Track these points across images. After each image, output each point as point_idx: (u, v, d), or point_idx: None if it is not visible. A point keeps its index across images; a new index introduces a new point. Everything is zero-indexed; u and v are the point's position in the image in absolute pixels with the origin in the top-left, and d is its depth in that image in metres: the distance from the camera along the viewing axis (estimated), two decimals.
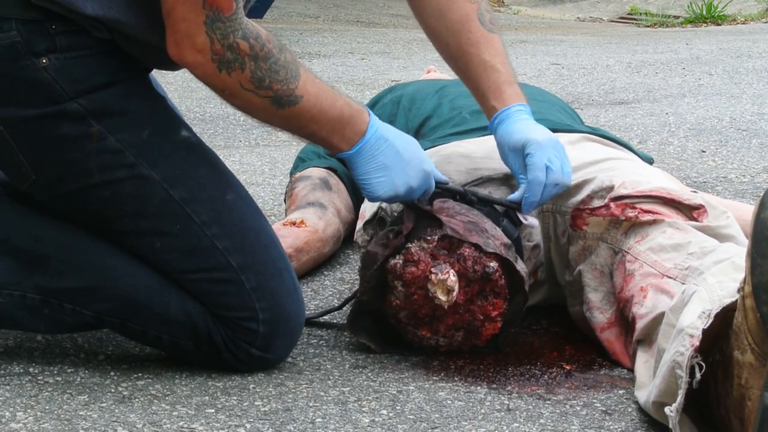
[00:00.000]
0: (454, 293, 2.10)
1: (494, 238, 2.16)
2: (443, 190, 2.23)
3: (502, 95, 2.26)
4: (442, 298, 2.11)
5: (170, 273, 2.06)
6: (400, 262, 2.14)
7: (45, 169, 2.03)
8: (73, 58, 1.98)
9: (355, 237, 2.41)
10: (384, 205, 2.33)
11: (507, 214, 2.24)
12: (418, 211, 2.18)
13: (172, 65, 2.04)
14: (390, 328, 2.22)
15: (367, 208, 2.41)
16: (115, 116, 2.01)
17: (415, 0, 2.33)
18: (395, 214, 2.29)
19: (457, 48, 2.29)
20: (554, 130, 2.45)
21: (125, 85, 2.03)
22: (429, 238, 2.14)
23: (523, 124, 2.23)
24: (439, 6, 2.30)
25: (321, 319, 2.38)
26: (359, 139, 2.10)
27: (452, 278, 2.10)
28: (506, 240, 2.18)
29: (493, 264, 2.12)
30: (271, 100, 2.01)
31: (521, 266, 2.16)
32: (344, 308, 2.37)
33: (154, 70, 2.16)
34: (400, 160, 2.12)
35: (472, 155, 2.36)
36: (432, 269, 2.10)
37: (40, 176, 2.04)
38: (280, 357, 2.12)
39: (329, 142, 2.10)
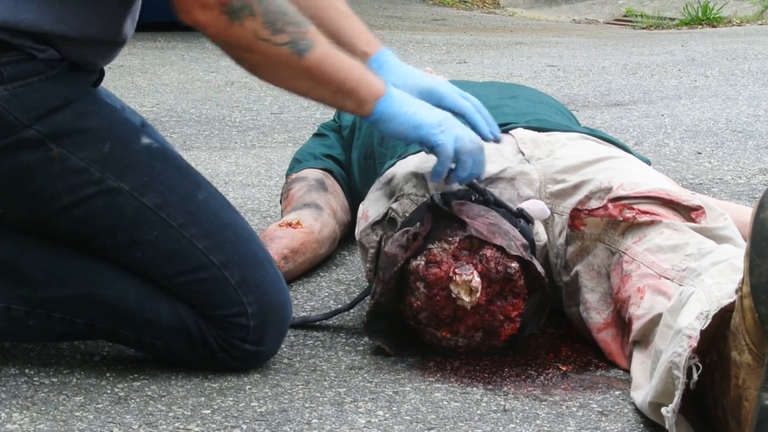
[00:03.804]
0: (478, 294, 2.10)
1: (515, 239, 2.16)
2: (468, 186, 2.25)
3: (370, 41, 2.30)
4: (466, 299, 2.11)
5: (156, 280, 2.06)
6: (422, 263, 2.13)
7: (13, 202, 2.02)
8: (21, 87, 1.97)
9: (358, 237, 2.40)
10: (394, 205, 2.32)
11: (521, 214, 2.25)
12: (437, 212, 2.18)
13: (111, 54, 2.05)
14: (405, 330, 2.22)
15: (371, 209, 2.41)
16: (73, 135, 2.00)
17: None
18: (406, 214, 2.29)
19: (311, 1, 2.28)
20: (551, 131, 2.45)
21: (77, 104, 2.02)
22: (450, 239, 2.14)
23: (413, 69, 2.28)
24: None
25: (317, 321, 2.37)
26: (384, 86, 2.11)
27: (476, 279, 2.10)
28: (524, 241, 2.19)
29: (514, 265, 2.13)
30: (289, 46, 1.98)
31: (540, 267, 2.17)
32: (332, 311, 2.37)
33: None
34: (420, 101, 2.15)
35: None
36: (456, 270, 2.11)
37: (8, 209, 2.03)
38: (272, 349, 2.12)
39: (357, 96, 2.08)
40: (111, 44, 2.07)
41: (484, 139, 2.23)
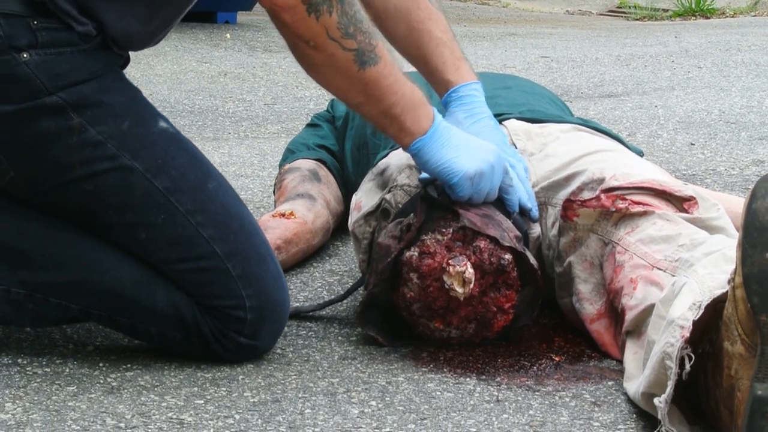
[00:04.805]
0: (471, 285, 2.10)
1: (508, 230, 2.16)
2: None
3: (460, 70, 2.28)
4: (459, 290, 2.11)
5: (156, 264, 2.06)
6: (416, 254, 2.13)
7: (25, 166, 2.02)
8: (53, 55, 1.98)
9: (351, 227, 2.40)
10: (388, 196, 2.32)
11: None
12: (431, 202, 2.18)
13: (147, 35, 2.05)
14: (398, 320, 2.22)
15: (364, 199, 2.41)
16: (95, 108, 2.00)
17: None
18: (399, 205, 2.29)
19: (407, 25, 2.28)
20: (544, 122, 2.45)
21: (102, 79, 2.02)
22: (444, 230, 2.14)
23: (484, 118, 2.25)
24: None
25: (310, 311, 2.37)
26: (430, 123, 2.09)
27: (470, 270, 2.10)
28: (518, 232, 2.19)
29: (508, 256, 2.13)
30: (354, 55, 1.98)
31: (533, 259, 2.17)
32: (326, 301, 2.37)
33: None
34: (468, 142, 2.13)
35: None
36: (449, 261, 2.11)
37: (20, 173, 2.03)
38: (267, 344, 2.12)
39: (401, 125, 2.07)
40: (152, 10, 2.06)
41: (522, 206, 2.24)
